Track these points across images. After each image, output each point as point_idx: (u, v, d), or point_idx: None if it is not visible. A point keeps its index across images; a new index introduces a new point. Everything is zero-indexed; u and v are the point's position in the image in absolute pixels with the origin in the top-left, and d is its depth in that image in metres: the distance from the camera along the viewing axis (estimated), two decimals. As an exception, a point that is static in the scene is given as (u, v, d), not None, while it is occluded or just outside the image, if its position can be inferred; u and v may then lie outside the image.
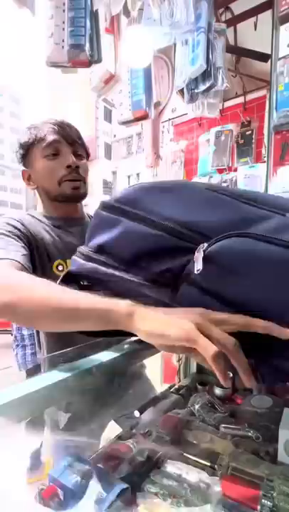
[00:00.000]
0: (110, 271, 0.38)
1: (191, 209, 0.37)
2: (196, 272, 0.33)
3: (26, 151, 0.75)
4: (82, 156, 0.77)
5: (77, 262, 0.43)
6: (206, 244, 0.33)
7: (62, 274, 0.46)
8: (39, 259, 0.69)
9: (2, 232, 0.63)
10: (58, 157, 0.73)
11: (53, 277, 0.73)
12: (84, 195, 0.78)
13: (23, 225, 0.69)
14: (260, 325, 0.32)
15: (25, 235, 0.67)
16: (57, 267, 0.73)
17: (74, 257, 0.44)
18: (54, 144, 0.72)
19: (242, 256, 0.32)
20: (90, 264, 0.40)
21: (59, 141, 0.72)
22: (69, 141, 0.74)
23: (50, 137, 0.72)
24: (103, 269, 0.39)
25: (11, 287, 0.43)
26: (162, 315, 0.35)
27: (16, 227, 0.66)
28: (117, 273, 0.38)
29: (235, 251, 0.32)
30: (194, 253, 0.34)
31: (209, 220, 0.35)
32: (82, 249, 0.43)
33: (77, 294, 0.41)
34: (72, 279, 0.45)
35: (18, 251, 0.59)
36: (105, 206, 0.41)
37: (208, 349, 0.30)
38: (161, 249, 0.36)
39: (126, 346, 0.49)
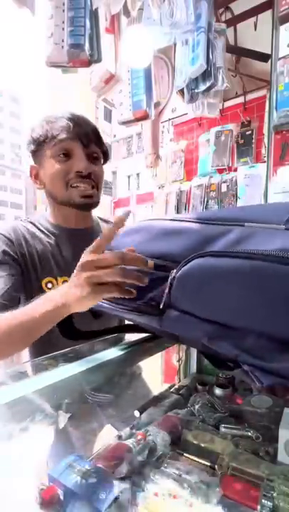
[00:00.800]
0: (109, 305, 0.45)
1: (162, 241, 0.41)
2: (168, 296, 0.37)
3: (37, 148, 0.68)
4: (98, 160, 0.71)
5: None
6: (175, 271, 0.36)
7: None
8: (27, 276, 0.68)
9: None
10: (70, 160, 0.66)
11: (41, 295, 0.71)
12: (96, 204, 0.72)
13: (11, 242, 0.67)
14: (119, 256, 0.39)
15: (13, 257, 0.65)
16: (46, 284, 0.69)
17: None
18: (66, 143, 0.65)
19: (205, 274, 0.34)
20: None
21: (72, 141, 0.65)
22: (84, 142, 0.66)
23: (62, 135, 0.65)
24: (105, 305, 0.46)
25: None
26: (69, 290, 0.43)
27: (4, 252, 0.65)
28: (113, 307, 0.44)
29: (199, 271, 0.34)
30: None
31: (178, 247, 0.39)
32: None
33: (27, 310, 0.49)
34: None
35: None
36: None
37: (105, 285, 0.40)
38: None
39: (125, 347, 0.49)
